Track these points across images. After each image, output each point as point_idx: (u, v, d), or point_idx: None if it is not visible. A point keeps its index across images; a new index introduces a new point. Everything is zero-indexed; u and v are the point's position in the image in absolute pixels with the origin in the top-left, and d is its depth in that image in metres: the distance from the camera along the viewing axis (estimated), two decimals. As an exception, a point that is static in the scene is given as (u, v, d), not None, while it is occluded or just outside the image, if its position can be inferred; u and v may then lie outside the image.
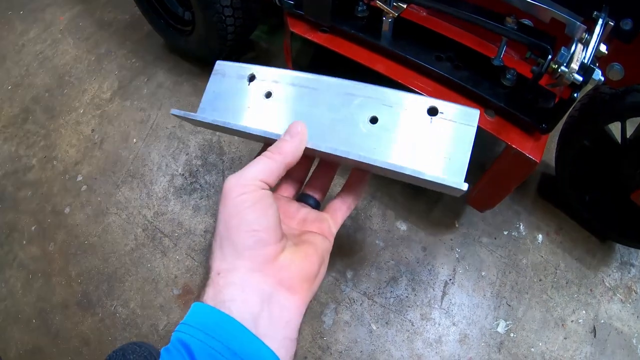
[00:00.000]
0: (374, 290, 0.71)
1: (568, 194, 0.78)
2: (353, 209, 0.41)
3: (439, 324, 0.69)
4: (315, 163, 0.43)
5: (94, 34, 1.09)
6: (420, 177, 0.33)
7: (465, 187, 0.32)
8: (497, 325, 0.71)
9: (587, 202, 0.78)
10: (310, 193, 0.41)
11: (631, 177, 0.73)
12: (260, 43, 1.05)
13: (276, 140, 0.35)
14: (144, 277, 0.74)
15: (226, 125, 0.40)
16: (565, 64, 0.47)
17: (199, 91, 0.95)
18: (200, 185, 0.82)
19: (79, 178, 0.86)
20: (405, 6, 0.62)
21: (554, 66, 0.48)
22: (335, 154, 0.35)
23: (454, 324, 0.69)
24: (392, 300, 0.70)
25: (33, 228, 0.83)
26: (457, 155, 0.36)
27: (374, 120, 0.39)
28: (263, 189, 0.31)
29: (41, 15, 1.19)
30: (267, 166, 0.32)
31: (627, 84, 0.57)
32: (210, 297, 0.30)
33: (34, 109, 0.98)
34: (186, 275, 0.73)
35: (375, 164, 0.34)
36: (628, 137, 0.76)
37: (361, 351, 0.66)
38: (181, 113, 0.42)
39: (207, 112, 0.44)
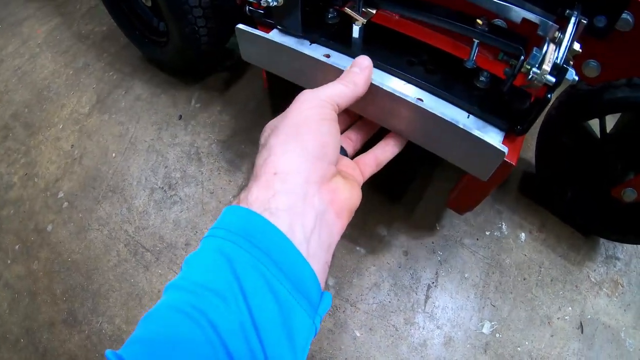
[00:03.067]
0: (356, 297, 0.71)
1: (550, 191, 0.78)
2: (381, 168, 0.42)
3: (423, 328, 0.69)
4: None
5: (71, 47, 1.09)
6: (470, 131, 0.39)
7: (505, 149, 0.40)
8: (482, 326, 0.71)
9: (569, 199, 0.78)
10: (343, 144, 0.41)
11: (611, 172, 0.73)
12: (237, 51, 1.05)
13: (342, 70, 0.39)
14: (128, 292, 0.74)
15: (295, 47, 0.48)
16: (537, 66, 0.47)
17: (177, 102, 0.96)
18: (180, 198, 0.82)
19: (60, 195, 0.86)
20: (374, 11, 0.61)
21: (527, 67, 0.48)
22: (396, 93, 0.40)
23: (438, 327, 0.70)
24: (375, 306, 0.71)
25: (17, 247, 0.83)
26: (490, 136, 0.43)
27: (420, 100, 0.51)
28: (335, 111, 0.31)
29: (19, 29, 1.18)
30: (343, 92, 0.32)
31: (603, 80, 0.57)
32: (259, 200, 0.25)
33: (14, 126, 0.98)
34: (169, 289, 0.74)
35: (431, 111, 0.40)
36: (608, 132, 0.76)
37: (346, 358, 0.67)
38: (249, 29, 0.53)
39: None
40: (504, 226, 0.80)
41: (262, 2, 0.57)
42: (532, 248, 0.79)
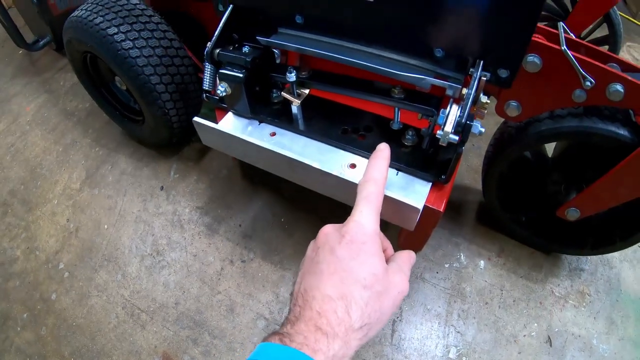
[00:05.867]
0: (329, 338, 0.84)
1: (503, 218, 0.88)
2: None
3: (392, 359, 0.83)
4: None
5: (59, 124, 1.26)
6: (387, 194, 0.52)
7: (420, 206, 0.54)
8: (448, 352, 0.83)
9: (523, 222, 0.89)
10: None
11: (554, 195, 0.84)
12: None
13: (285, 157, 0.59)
14: (128, 350, 0.88)
15: (239, 136, 0.64)
16: (442, 127, 0.54)
17: (159, 174, 1.12)
18: (167, 263, 0.96)
19: (61, 266, 1.01)
20: (307, 91, 0.73)
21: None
22: (323, 169, 0.59)
23: (405, 357, 0.82)
24: (346, 344, 0.84)
25: (25, 315, 0.97)
26: (415, 195, 0.57)
27: (353, 166, 0.65)
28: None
29: (8, 107, 1.35)
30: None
31: (527, 117, 0.66)
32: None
33: (12, 202, 1.14)
34: (164, 344, 0.88)
35: (347, 179, 0.54)
36: (549, 157, 0.88)
37: (324, 394, 0.80)
38: (202, 121, 0.68)
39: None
40: (462, 257, 0.93)
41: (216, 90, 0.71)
42: (492, 273, 0.91)
